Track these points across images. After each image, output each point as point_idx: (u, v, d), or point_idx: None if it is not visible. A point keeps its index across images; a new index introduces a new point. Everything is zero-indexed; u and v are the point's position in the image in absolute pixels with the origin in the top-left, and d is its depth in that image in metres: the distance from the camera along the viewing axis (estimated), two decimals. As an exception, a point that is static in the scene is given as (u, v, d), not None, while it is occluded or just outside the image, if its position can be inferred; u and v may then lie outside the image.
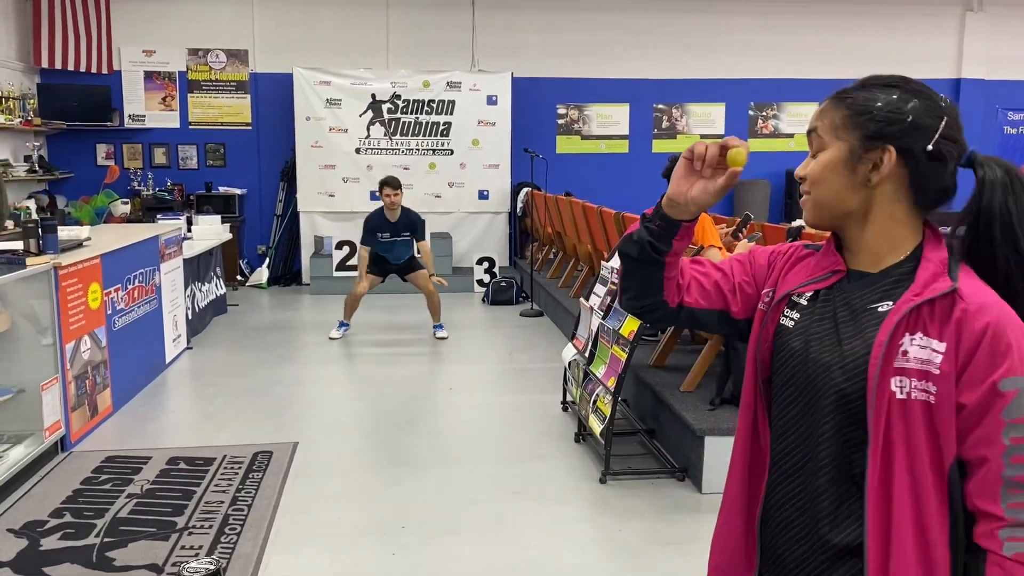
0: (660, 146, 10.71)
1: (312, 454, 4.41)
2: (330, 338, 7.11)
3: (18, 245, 4.45)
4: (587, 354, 4.54)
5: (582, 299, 4.95)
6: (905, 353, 1.18)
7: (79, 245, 4.93)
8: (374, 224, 7.10)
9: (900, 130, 1.21)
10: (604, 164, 10.63)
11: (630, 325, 4.11)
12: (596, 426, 4.14)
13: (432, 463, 4.30)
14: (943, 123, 1.21)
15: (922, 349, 1.17)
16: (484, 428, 4.90)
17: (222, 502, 3.75)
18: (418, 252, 7.26)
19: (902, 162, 1.22)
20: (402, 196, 7.15)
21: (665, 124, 10.76)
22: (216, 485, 3.94)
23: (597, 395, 4.24)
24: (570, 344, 5.00)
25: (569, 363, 4.97)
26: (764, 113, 10.96)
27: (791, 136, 10.89)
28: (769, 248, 1.47)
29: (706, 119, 10.79)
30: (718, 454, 3.86)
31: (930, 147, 1.20)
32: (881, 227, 1.26)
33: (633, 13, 10.41)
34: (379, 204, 7.20)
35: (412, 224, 7.15)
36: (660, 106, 10.73)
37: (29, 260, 4.12)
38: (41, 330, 4.28)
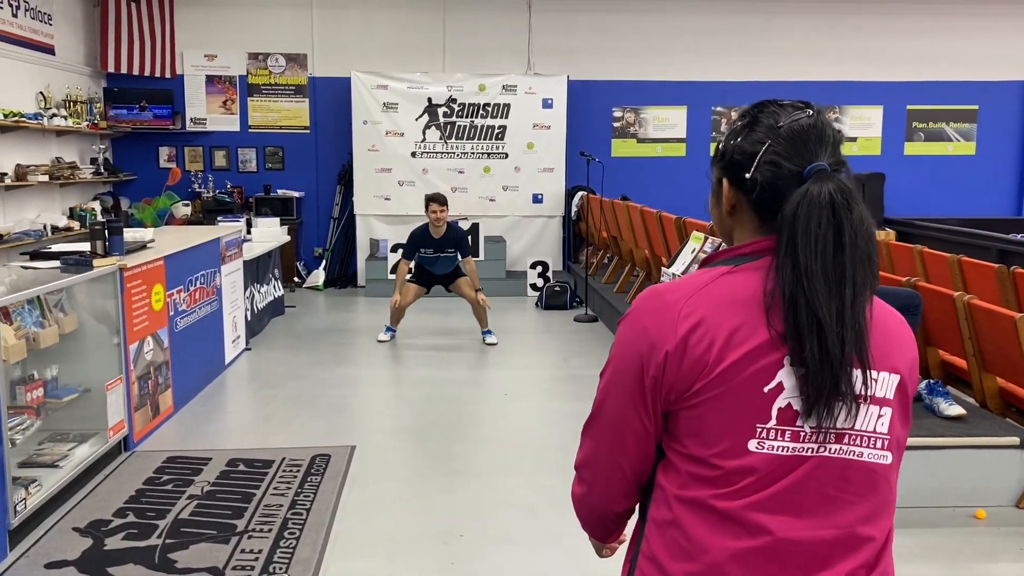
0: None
1: (369, 458, 4.40)
2: (378, 340, 7.16)
3: (85, 246, 4.53)
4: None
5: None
6: None
7: (143, 247, 5.00)
8: (418, 240, 7.11)
9: (726, 163, 1.31)
10: (660, 167, 10.50)
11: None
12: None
13: (488, 471, 4.26)
14: (764, 149, 1.25)
15: None
16: (540, 436, 4.85)
17: (281, 505, 3.75)
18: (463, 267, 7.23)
19: (736, 190, 1.30)
20: (448, 212, 7.13)
21: (724, 127, 10.59)
22: (275, 488, 3.95)
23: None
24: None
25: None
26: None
27: (854, 140, 10.62)
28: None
29: (766, 122, 10.57)
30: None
31: (747, 175, 1.26)
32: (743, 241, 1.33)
33: (691, 15, 10.26)
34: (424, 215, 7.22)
35: (457, 241, 7.14)
36: (719, 108, 10.56)
37: (96, 261, 4.19)
38: (110, 331, 4.35)
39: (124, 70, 9.54)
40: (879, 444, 1.23)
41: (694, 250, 4.87)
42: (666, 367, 1.22)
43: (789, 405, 1.19)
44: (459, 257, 7.17)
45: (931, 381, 4.39)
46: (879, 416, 1.23)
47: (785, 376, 1.19)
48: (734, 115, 1.31)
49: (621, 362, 1.29)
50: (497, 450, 4.57)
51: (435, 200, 7.06)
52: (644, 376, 1.24)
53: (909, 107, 10.73)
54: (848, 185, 1.21)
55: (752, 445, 1.20)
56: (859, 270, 1.19)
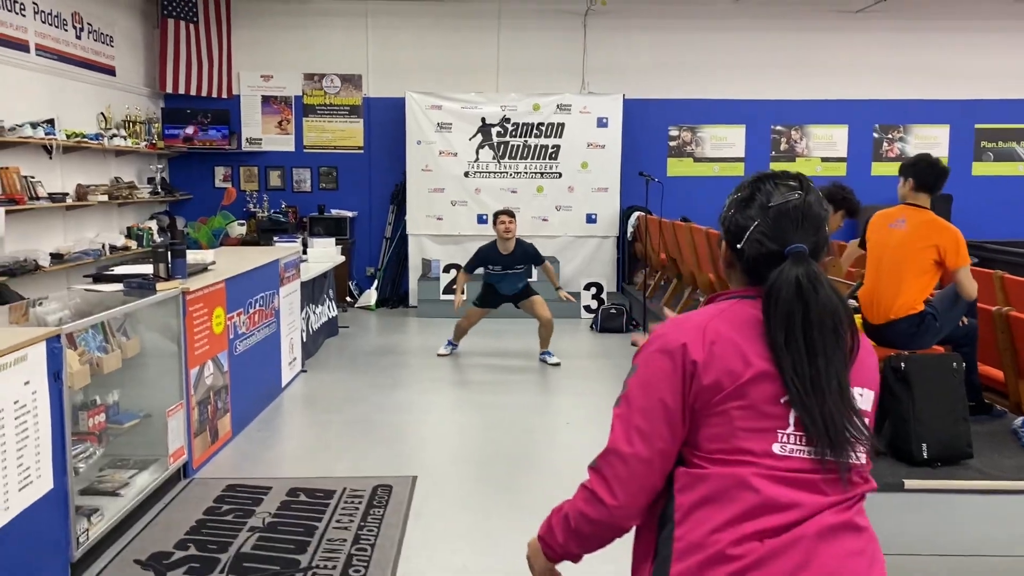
0: (778, 169, 10.25)
1: (431, 490, 4.25)
2: (438, 354, 7.15)
3: (147, 269, 4.48)
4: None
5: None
6: None
7: (204, 269, 4.95)
8: (484, 256, 6.99)
9: (724, 229, 1.56)
10: (717, 187, 10.25)
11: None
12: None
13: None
14: (752, 227, 1.48)
15: None
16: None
17: (344, 540, 3.62)
18: (537, 277, 7.12)
19: (732, 253, 1.54)
20: (516, 225, 7.01)
21: (784, 146, 10.34)
22: (338, 521, 3.82)
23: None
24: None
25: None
26: (890, 136, 10.41)
27: (919, 159, 10.28)
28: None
29: (827, 141, 10.31)
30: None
31: (739, 245, 1.50)
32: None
33: (749, 32, 10.06)
34: (484, 227, 7.14)
35: (528, 256, 7.00)
36: (779, 128, 10.31)
37: (159, 285, 4.13)
38: (171, 355, 4.28)
39: (182, 90, 9.63)
40: (862, 450, 1.44)
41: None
42: (695, 376, 1.40)
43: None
44: (530, 274, 7.09)
45: (1026, 418, 4.13)
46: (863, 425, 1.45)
47: None
48: (735, 194, 1.46)
49: (653, 377, 1.44)
50: (564, 485, 4.37)
51: (504, 212, 7.01)
52: (677, 384, 1.42)
53: (977, 126, 10.37)
54: (815, 270, 1.42)
55: (776, 448, 1.39)
56: (828, 343, 1.39)
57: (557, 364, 6.95)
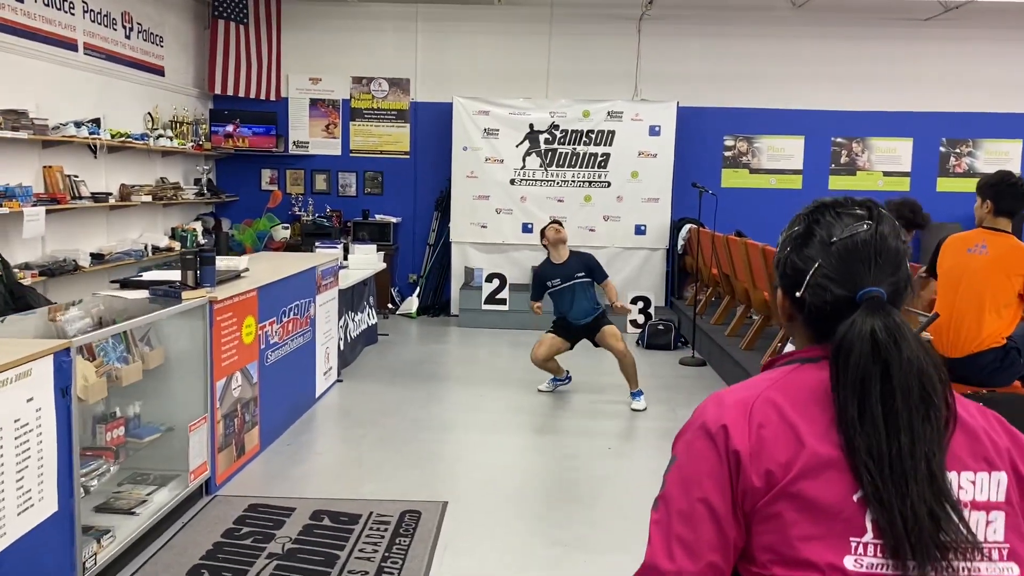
0: (838, 183, 9.86)
1: (462, 518, 4.01)
2: (539, 390, 6.45)
3: (176, 275, 4.33)
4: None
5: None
6: None
7: (237, 276, 4.79)
8: (541, 274, 6.38)
9: (780, 273, 1.28)
10: (774, 200, 9.88)
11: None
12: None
13: (596, 544, 3.80)
14: (813, 269, 1.20)
15: None
16: (649, 502, 4.36)
17: (367, 572, 3.40)
18: (602, 295, 6.35)
19: (790, 302, 1.25)
20: (566, 234, 6.46)
21: (844, 159, 9.91)
22: (361, 550, 3.60)
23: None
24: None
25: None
26: (957, 150, 9.91)
27: (990, 175, 9.77)
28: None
29: (891, 155, 9.85)
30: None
31: (798, 294, 1.21)
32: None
33: (808, 40, 9.66)
34: (529, 236, 6.76)
35: (586, 264, 6.28)
36: (839, 139, 9.88)
37: (185, 294, 3.97)
38: (197, 367, 4.12)
39: (231, 92, 9.58)
40: (996, 555, 1.09)
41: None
42: (741, 469, 1.12)
43: None
44: (594, 286, 6.30)
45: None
46: (988, 523, 1.10)
47: None
48: (790, 229, 1.30)
49: (693, 470, 1.17)
50: (604, 519, 4.11)
51: (554, 222, 6.60)
52: (722, 479, 1.14)
53: (1051, 139, 9.84)
54: (896, 320, 1.13)
55: (850, 563, 1.06)
56: (915, 415, 1.09)
57: (642, 409, 6.06)
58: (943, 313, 3.96)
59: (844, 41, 9.65)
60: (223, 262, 4.86)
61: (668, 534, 1.16)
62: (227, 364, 4.33)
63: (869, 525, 1.07)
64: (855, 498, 1.07)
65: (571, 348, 6.35)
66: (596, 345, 6.30)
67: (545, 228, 6.48)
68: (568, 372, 6.55)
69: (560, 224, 6.53)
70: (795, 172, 9.95)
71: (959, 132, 9.89)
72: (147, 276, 4.51)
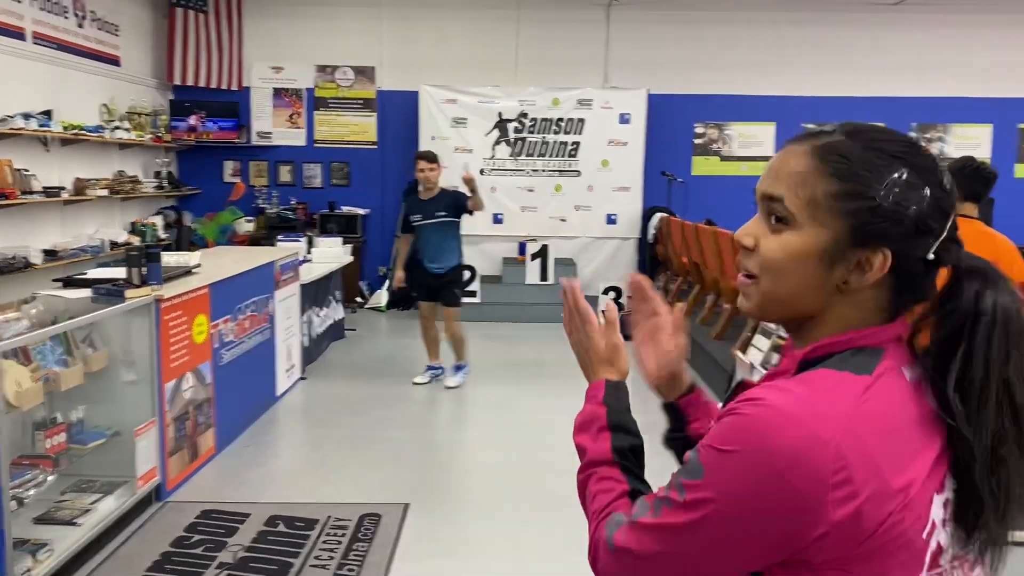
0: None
1: (423, 522, 3.88)
2: (414, 383, 6.18)
3: (122, 273, 4.15)
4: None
5: (738, 352, 4.26)
6: None
7: (187, 272, 4.61)
8: (406, 206, 6.14)
9: (903, 232, 0.91)
10: (745, 188, 9.79)
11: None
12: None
13: (565, 548, 3.66)
14: (951, 221, 0.93)
15: None
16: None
17: (320, 581, 3.26)
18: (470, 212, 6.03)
19: (893, 268, 0.92)
20: (439, 173, 6.06)
21: (815, 146, 9.83)
22: (317, 557, 3.46)
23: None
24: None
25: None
26: (928, 135, 9.88)
27: (960, 160, 9.76)
28: None
29: (862, 141, 9.79)
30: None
31: (931, 255, 0.92)
32: (827, 333, 0.95)
33: (779, 26, 9.57)
34: (500, 227, 6.57)
35: (452, 201, 5.98)
36: (809, 126, 9.75)
37: (129, 292, 3.79)
38: (144, 368, 3.94)
39: (191, 82, 9.33)
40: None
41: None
42: (813, 534, 0.84)
43: (938, 544, 0.90)
44: (458, 232, 6.08)
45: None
46: None
47: (936, 510, 0.89)
48: (882, 164, 0.87)
49: (743, 522, 0.86)
50: (572, 519, 3.97)
51: (423, 157, 6.06)
52: (777, 543, 0.86)
53: (1021, 125, 9.83)
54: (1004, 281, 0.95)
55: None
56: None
57: (453, 387, 6.09)
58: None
59: (814, 27, 9.57)
60: (172, 258, 4.68)
61: (664, 546, 0.91)
62: (177, 365, 4.15)
63: (928, 560, 0.89)
64: (924, 536, 0.88)
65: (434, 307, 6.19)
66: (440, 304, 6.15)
67: (416, 164, 6.09)
68: (442, 364, 6.34)
69: (431, 163, 6.01)
70: (766, 159, 9.80)
71: (929, 117, 9.86)
72: (91, 274, 4.31)
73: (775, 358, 3.86)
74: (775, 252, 0.94)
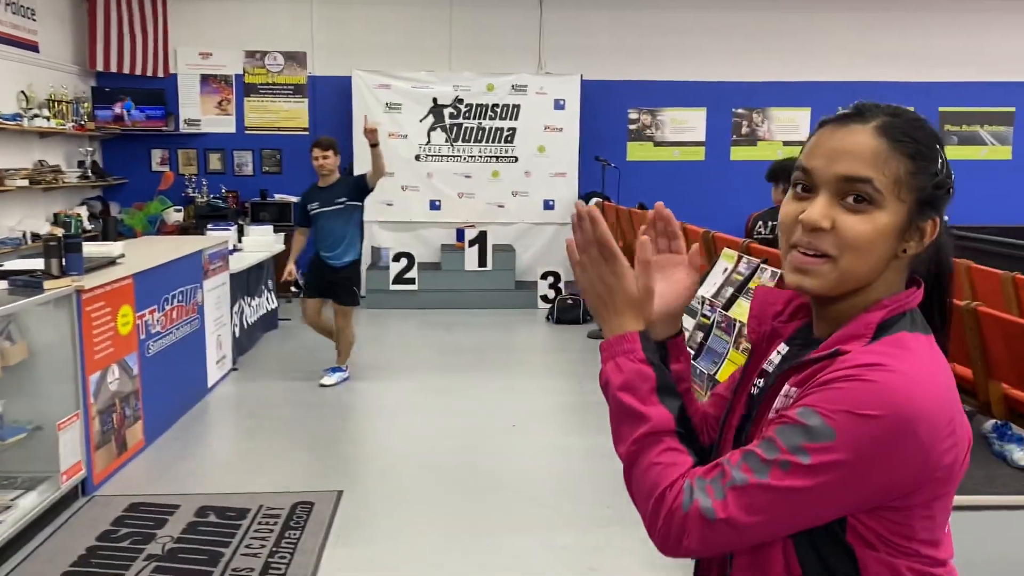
0: (739, 153, 9.99)
1: (357, 507, 3.87)
2: (320, 384, 5.84)
3: (41, 264, 4.03)
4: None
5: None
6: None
7: (111, 263, 4.49)
8: (303, 195, 5.88)
9: (942, 197, 1.03)
10: (678, 172, 9.95)
11: (728, 372, 3.48)
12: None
13: (495, 527, 3.71)
14: (952, 182, 1.04)
15: (784, 397, 1.03)
16: (553, 483, 4.29)
17: (252, 569, 3.23)
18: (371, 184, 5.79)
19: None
20: (334, 161, 5.78)
21: (745, 130, 10.03)
22: (247, 546, 3.43)
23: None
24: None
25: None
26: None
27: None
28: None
29: (790, 124, 10.01)
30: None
31: (947, 216, 1.07)
32: (874, 300, 1.03)
33: (711, 12, 9.71)
34: (437, 213, 6.51)
35: (352, 187, 5.75)
36: (740, 111, 10.00)
37: (48, 283, 3.68)
38: (66, 360, 3.84)
39: (114, 68, 9.06)
40: None
41: (726, 270, 4.33)
42: (926, 482, 0.95)
43: None
44: (359, 220, 5.89)
45: (998, 423, 3.84)
46: None
47: None
48: (930, 139, 1.01)
49: (872, 480, 0.93)
50: (505, 501, 4.03)
51: (318, 144, 5.77)
52: (892, 494, 0.95)
53: (941, 109, 10.14)
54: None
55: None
56: None
57: (328, 385, 5.82)
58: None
59: (745, 12, 9.73)
60: (95, 248, 4.56)
61: (780, 509, 0.95)
62: (101, 356, 4.06)
63: None
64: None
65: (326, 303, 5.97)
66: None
67: (311, 152, 5.85)
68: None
69: (325, 151, 5.73)
70: (698, 144, 10.02)
71: (852, 100, 10.06)
72: (8, 265, 4.18)
73: (699, 336, 3.94)
74: (864, 231, 0.99)
